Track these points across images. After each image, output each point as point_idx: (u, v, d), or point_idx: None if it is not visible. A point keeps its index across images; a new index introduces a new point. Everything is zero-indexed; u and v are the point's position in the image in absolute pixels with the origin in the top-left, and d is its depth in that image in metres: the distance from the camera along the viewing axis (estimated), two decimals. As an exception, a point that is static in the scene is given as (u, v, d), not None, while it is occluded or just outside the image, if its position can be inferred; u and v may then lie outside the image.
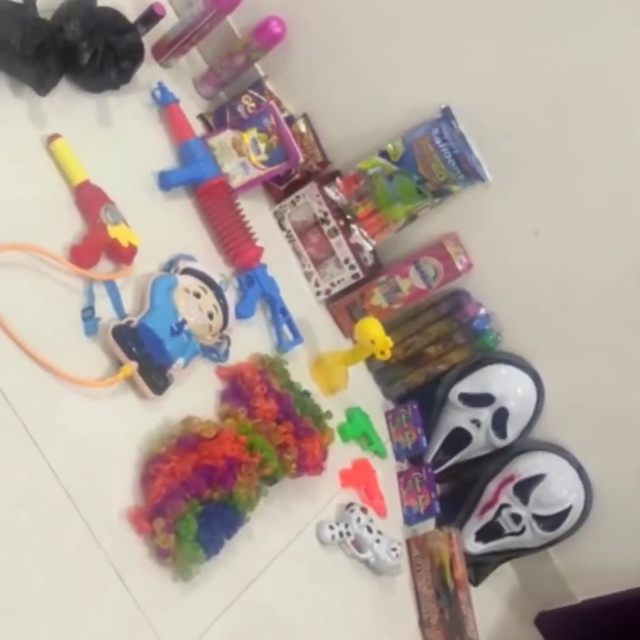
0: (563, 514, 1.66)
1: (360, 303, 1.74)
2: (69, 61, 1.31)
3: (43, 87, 1.26)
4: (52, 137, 1.26)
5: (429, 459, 1.74)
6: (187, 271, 1.35)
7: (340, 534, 1.40)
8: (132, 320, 1.21)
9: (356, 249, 1.70)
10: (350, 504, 1.46)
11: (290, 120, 1.66)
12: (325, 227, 1.69)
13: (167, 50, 1.57)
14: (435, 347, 1.74)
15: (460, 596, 1.53)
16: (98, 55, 1.32)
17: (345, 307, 1.75)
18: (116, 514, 1.08)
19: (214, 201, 1.51)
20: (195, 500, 1.13)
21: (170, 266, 1.35)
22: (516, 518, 1.67)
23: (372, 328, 1.53)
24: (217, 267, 1.46)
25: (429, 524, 1.67)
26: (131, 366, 1.16)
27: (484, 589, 1.74)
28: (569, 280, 1.60)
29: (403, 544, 1.56)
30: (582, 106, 1.46)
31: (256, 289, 1.52)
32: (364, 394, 1.74)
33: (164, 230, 1.42)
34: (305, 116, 1.69)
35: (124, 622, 1.03)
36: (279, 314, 1.56)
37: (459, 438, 1.72)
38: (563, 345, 1.65)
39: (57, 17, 1.32)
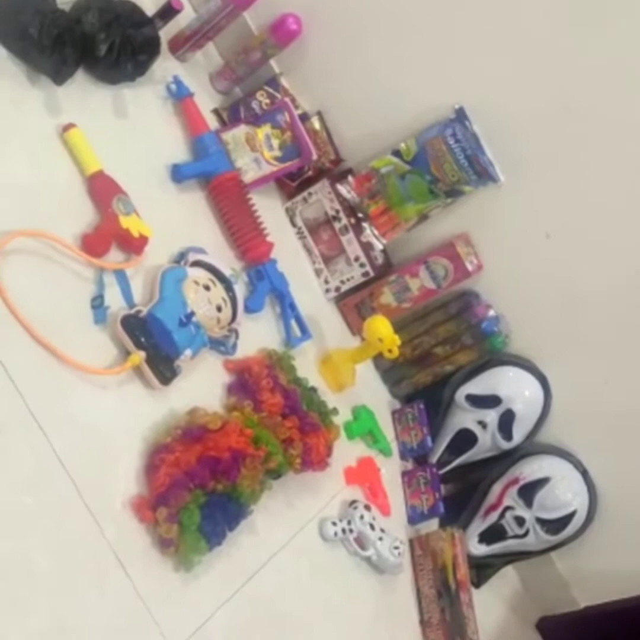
0: (567, 518, 1.65)
1: (370, 301, 1.74)
2: (86, 52, 1.32)
3: (60, 76, 1.27)
4: (67, 127, 1.27)
5: (434, 459, 1.74)
6: (197, 263, 1.36)
7: (343, 531, 1.40)
8: (141, 310, 1.22)
9: (367, 247, 1.70)
10: (353, 501, 1.46)
11: (304, 118, 1.66)
12: (337, 225, 1.70)
13: (183, 44, 1.58)
14: (443, 348, 1.73)
15: (462, 597, 1.53)
16: (115, 47, 1.33)
17: (354, 305, 1.75)
18: (120, 503, 1.09)
19: (226, 195, 1.52)
20: (199, 491, 1.13)
21: (180, 258, 1.36)
22: (520, 521, 1.66)
23: (380, 326, 1.53)
24: (227, 261, 1.47)
25: (433, 524, 1.67)
26: (139, 356, 1.17)
27: (486, 591, 1.73)
28: (579, 283, 1.59)
29: (406, 543, 1.56)
30: (596, 109, 1.45)
31: (266, 283, 1.53)
32: (370, 392, 1.74)
33: (175, 222, 1.43)
34: (319, 113, 1.69)
35: (124, 609, 1.03)
36: (287, 309, 1.56)
37: (465, 439, 1.71)
38: (571, 348, 1.64)
39: (76, 8, 1.33)
